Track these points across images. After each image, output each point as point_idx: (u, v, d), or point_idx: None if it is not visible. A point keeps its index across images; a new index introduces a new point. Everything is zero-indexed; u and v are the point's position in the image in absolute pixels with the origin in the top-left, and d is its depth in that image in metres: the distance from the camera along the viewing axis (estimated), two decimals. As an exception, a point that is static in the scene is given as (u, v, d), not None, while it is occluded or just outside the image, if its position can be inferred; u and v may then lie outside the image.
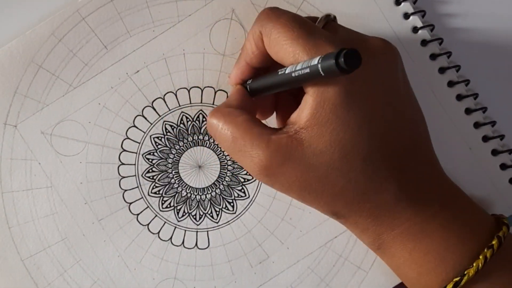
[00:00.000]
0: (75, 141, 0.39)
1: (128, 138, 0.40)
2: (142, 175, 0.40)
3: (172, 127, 0.40)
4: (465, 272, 0.32)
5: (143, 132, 0.40)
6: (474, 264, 0.32)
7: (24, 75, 0.39)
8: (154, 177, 0.40)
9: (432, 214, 0.33)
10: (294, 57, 0.31)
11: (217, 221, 0.40)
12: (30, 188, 0.39)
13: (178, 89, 0.40)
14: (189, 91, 0.40)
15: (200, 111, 0.40)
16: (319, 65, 0.28)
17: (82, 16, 0.39)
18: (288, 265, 0.40)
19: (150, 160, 0.40)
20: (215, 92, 0.40)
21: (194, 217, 0.40)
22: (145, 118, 0.40)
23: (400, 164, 0.32)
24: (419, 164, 0.33)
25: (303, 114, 0.31)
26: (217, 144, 0.40)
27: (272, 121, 0.38)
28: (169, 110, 0.40)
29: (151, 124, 0.40)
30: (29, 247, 0.39)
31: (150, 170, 0.40)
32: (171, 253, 0.40)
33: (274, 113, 0.38)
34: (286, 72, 0.31)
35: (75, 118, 0.39)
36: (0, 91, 0.39)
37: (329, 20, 0.35)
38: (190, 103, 0.40)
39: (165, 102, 0.40)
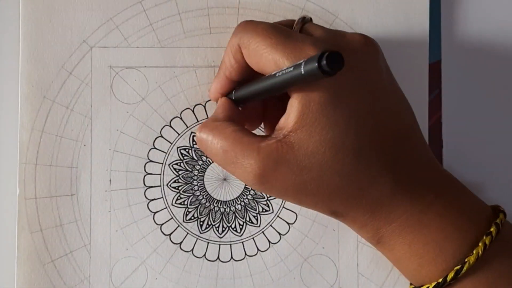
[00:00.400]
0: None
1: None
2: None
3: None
4: (466, 260, 0.32)
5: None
6: (474, 252, 0.32)
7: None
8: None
9: (428, 204, 0.33)
10: (275, 64, 0.32)
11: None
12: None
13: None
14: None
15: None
16: (302, 69, 0.28)
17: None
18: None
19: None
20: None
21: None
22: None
23: (392, 156, 0.32)
24: (411, 154, 0.33)
25: (290, 117, 0.31)
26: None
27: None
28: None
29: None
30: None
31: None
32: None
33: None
34: (270, 77, 0.31)
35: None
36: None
37: (306, 22, 0.35)
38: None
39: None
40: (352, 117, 0.31)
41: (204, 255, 0.40)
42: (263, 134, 0.39)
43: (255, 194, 0.40)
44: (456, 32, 0.42)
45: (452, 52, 0.41)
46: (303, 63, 0.28)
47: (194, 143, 0.40)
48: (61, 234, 0.39)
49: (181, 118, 0.40)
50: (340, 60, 0.27)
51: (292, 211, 0.40)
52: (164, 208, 0.40)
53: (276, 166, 0.31)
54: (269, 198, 0.40)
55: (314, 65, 0.27)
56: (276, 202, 0.40)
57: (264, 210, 0.40)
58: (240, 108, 0.36)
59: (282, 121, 0.32)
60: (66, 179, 0.39)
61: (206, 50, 0.40)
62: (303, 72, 0.28)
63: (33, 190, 0.39)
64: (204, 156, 0.40)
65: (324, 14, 0.40)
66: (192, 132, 0.40)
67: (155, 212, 0.40)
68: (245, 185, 0.40)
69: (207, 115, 0.40)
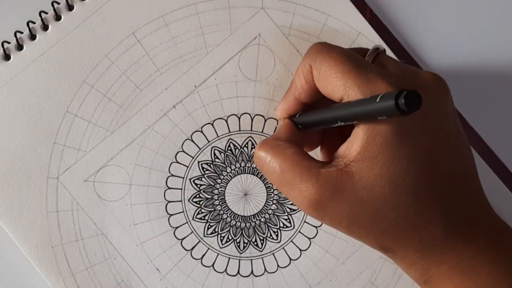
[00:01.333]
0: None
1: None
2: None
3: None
4: None
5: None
6: None
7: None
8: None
9: (480, 249, 0.33)
10: (344, 90, 0.31)
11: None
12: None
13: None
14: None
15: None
16: (377, 104, 0.28)
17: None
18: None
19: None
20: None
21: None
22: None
23: (449, 199, 0.32)
24: (467, 198, 0.33)
25: (353, 147, 0.31)
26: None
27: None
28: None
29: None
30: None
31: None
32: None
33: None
34: (339, 106, 0.31)
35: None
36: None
37: (379, 53, 0.35)
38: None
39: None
40: (416, 155, 0.31)
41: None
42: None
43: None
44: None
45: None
46: (378, 98, 0.28)
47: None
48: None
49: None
50: (418, 101, 0.26)
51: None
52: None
53: (334, 195, 0.31)
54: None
55: (391, 102, 0.26)
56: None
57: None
58: (301, 132, 0.36)
59: (343, 149, 0.32)
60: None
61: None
62: (378, 108, 0.27)
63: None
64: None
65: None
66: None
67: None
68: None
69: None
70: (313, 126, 0.35)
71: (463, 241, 0.32)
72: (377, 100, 0.28)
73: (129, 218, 0.39)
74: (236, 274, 0.40)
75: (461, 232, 0.32)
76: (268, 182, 0.40)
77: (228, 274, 0.40)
